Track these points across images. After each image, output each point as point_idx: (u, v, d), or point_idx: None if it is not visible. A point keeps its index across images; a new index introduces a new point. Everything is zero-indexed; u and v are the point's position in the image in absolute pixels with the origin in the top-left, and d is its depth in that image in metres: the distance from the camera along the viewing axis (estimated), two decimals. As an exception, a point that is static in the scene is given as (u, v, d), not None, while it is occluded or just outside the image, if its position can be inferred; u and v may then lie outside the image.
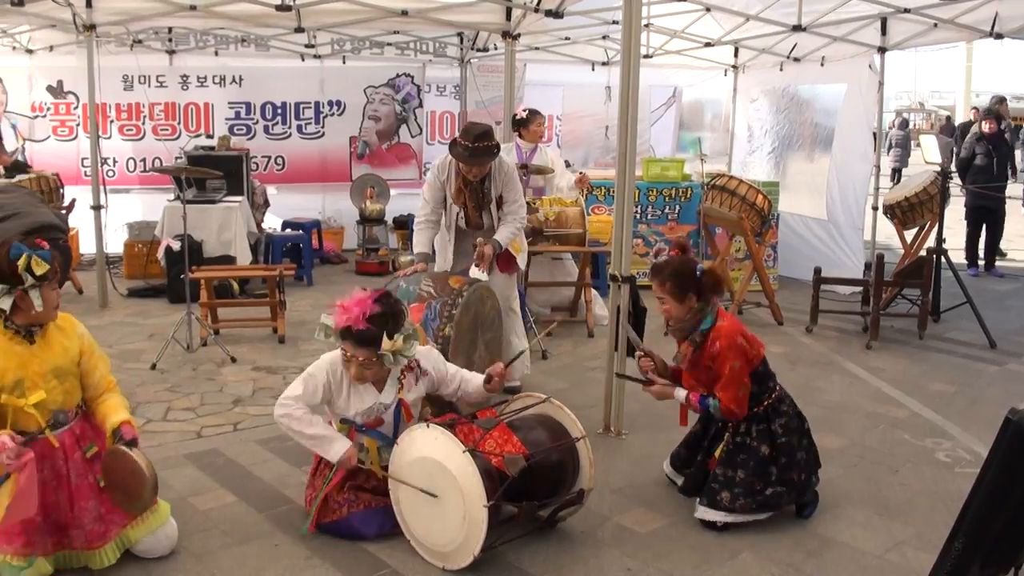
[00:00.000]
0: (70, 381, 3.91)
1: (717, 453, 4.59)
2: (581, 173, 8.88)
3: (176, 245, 7.81)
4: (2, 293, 3.67)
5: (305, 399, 4.34)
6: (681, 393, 4.63)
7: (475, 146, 5.86)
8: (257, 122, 12.47)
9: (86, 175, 10.97)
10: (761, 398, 4.56)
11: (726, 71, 13.07)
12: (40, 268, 3.66)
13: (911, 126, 32.48)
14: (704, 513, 4.47)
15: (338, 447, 4.27)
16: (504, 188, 6.23)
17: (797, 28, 9.47)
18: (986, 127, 11.80)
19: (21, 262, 3.63)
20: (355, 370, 4.27)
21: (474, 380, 4.68)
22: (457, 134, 6.06)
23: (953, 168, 9.47)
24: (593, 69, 13.25)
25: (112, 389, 4.10)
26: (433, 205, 6.24)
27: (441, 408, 4.84)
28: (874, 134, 10.26)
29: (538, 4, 8.78)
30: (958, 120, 32.12)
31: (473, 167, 6.00)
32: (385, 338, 4.19)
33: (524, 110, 8.56)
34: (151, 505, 3.98)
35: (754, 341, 4.57)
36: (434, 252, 6.30)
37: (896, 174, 25.38)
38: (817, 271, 8.62)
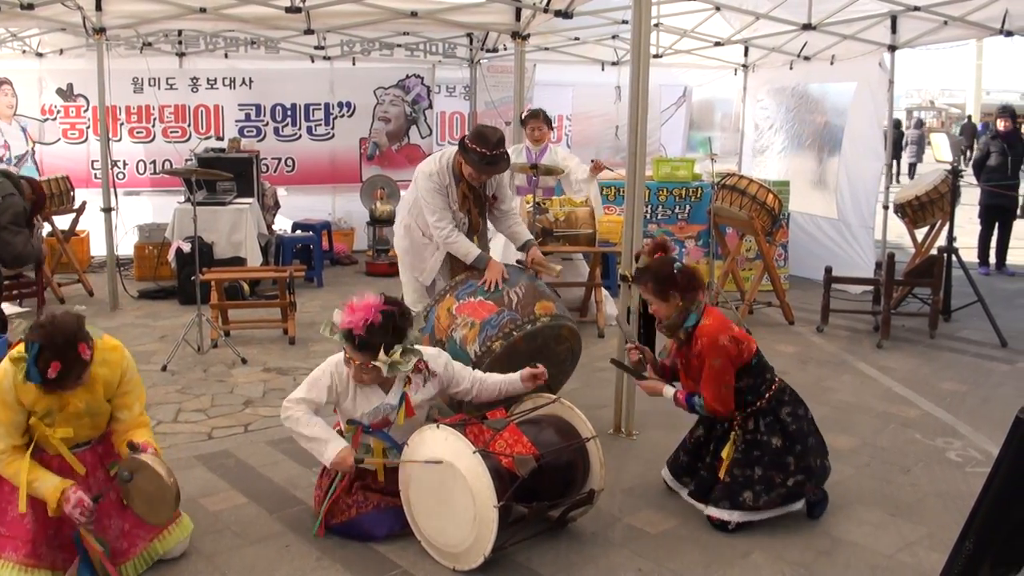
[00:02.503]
0: (101, 417, 3.89)
1: (725, 454, 4.56)
2: (593, 160, 8.80)
3: (187, 247, 7.85)
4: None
5: (309, 401, 4.34)
6: (669, 391, 4.68)
7: (493, 154, 5.66)
8: (267, 124, 12.49)
9: (96, 178, 11.02)
10: (761, 391, 4.55)
11: (736, 70, 13.05)
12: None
13: (925, 125, 33.69)
14: (725, 514, 4.43)
15: (331, 450, 4.22)
16: (497, 188, 6.12)
17: (807, 27, 9.47)
18: (1001, 125, 11.75)
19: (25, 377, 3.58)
20: (354, 371, 4.28)
21: (493, 378, 4.69)
22: (468, 139, 5.74)
23: (964, 167, 9.42)
24: (603, 69, 13.24)
25: (143, 426, 4.00)
26: (448, 213, 5.86)
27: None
28: (884, 133, 10.24)
29: (547, 4, 8.78)
30: (973, 119, 32.78)
31: (484, 175, 5.85)
32: (381, 351, 4.15)
33: (525, 111, 8.49)
34: (174, 515, 3.89)
35: (743, 337, 4.55)
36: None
37: (912, 168, 27.53)
38: (828, 270, 8.60)
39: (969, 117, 33.27)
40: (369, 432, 4.39)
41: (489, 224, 6.32)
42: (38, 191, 8.66)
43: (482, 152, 5.63)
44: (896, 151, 27.46)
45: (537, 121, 8.57)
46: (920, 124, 31.28)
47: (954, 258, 8.50)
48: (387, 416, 4.39)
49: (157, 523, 3.91)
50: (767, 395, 4.55)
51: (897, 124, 28.66)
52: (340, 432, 4.44)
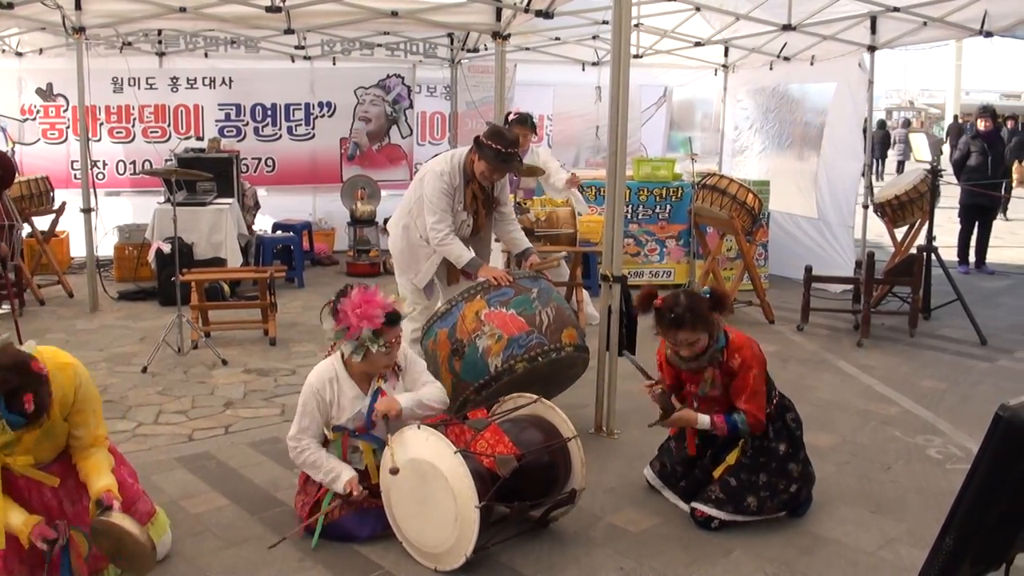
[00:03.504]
0: (60, 437, 3.77)
1: (731, 459, 4.53)
2: (572, 173, 8.80)
3: (167, 248, 7.78)
4: None
5: (309, 431, 4.40)
6: (705, 418, 4.46)
7: (509, 151, 5.67)
8: (247, 124, 12.45)
9: (76, 178, 10.96)
10: (770, 397, 4.54)
11: (716, 70, 13.08)
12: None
13: (911, 124, 35.21)
14: (725, 515, 4.41)
15: (342, 480, 4.28)
16: (500, 190, 6.11)
17: (787, 27, 9.51)
18: (981, 125, 11.83)
19: None
20: (383, 359, 4.35)
21: (428, 398, 4.55)
22: (484, 136, 5.71)
23: (943, 166, 9.46)
24: (583, 69, 13.25)
25: (99, 444, 3.86)
26: (450, 216, 5.83)
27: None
28: (864, 133, 10.28)
29: (528, 4, 8.76)
30: (951, 119, 33.72)
31: (497, 172, 5.83)
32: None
33: (515, 114, 8.35)
34: (154, 565, 3.74)
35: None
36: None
37: (901, 166, 28.33)
38: (808, 269, 8.63)
39: (956, 117, 33.83)
40: (355, 435, 4.38)
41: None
42: (3, 163, 8.40)
43: (498, 148, 5.63)
44: (883, 151, 27.92)
45: (524, 128, 8.35)
46: (907, 124, 32.74)
47: (934, 257, 8.55)
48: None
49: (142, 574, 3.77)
50: (774, 400, 4.55)
51: (882, 124, 29.14)
52: (326, 439, 4.44)
